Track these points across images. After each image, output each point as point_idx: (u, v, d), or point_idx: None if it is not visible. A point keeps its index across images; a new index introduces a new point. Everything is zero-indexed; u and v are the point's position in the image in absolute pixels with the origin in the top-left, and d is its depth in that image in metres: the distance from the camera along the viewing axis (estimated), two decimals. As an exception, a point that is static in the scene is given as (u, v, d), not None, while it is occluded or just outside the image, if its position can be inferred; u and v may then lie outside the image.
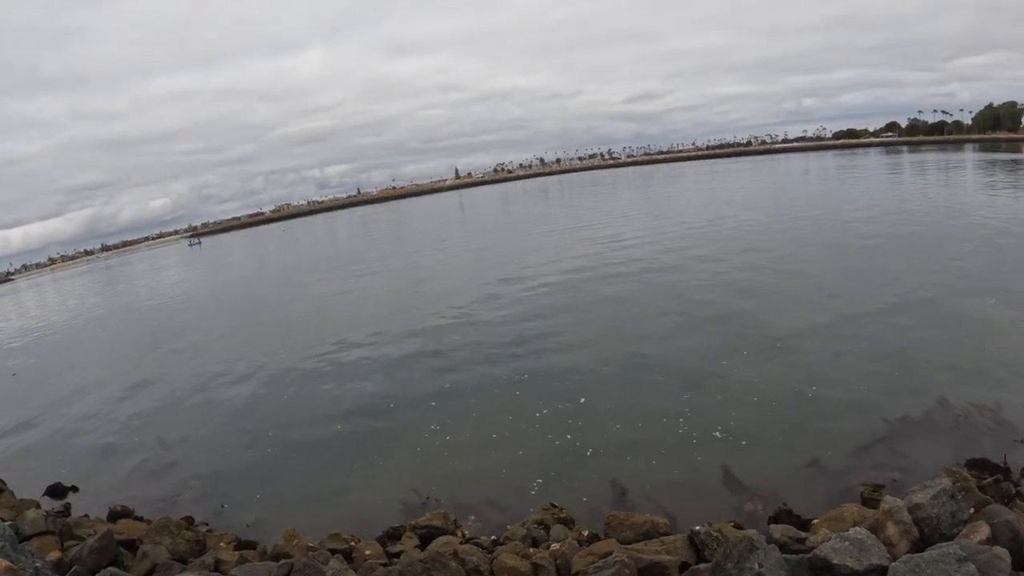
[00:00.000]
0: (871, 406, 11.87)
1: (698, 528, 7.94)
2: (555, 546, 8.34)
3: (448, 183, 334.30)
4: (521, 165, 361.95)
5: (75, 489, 14.04)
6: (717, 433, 11.46)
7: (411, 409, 15.10)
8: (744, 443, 11.03)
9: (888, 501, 7.21)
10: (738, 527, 8.22)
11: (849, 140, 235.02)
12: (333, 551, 9.06)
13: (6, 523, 9.14)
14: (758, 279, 22.69)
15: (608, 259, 29.77)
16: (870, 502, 8.42)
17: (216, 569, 8.83)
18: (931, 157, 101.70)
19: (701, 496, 9.68)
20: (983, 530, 6.79)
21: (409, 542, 9.26)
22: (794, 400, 12.53)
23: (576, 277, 26.45)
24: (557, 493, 10.27)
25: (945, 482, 7.36)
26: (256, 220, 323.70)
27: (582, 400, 13.84)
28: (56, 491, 13.97)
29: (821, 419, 11.61)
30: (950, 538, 6.82)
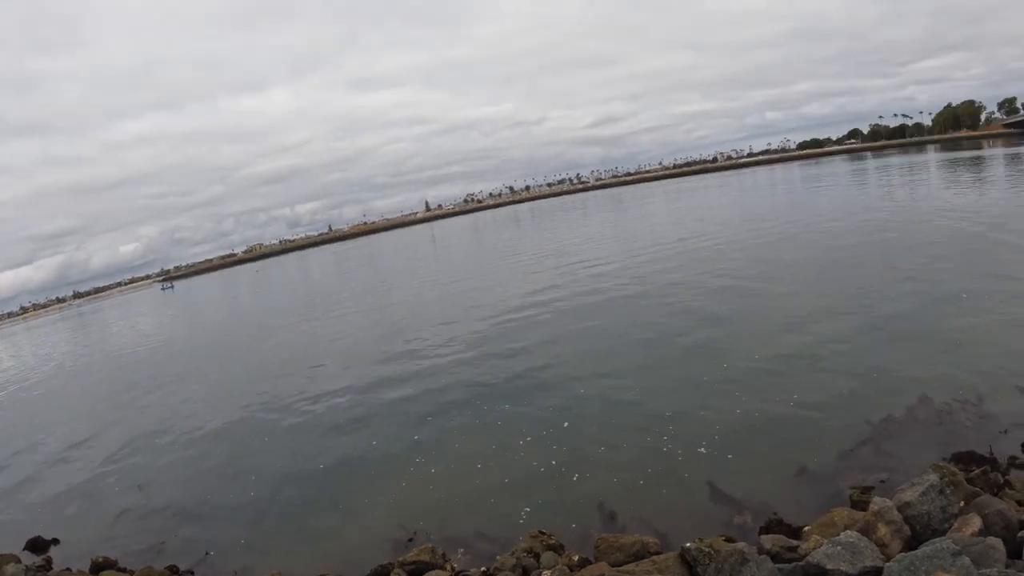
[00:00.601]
0: (853, 409, 11.88)
1: (689, 545, 7.82)
2: (546, 573, 8.20)
3: (419, 216, 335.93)
4: (491, 194, 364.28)
5: (56, 541, 13.73)
6: (702, 449, 11.36)
7: (393, 444, 14.91)
8: (730, 456, 10.95)
9: (877, 502, 7.20)
10: (729, 540, 8.09)
11: (813, 150, 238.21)
12: (320, 593, 8.91)
13: None
14: (731, 295, 22.73)
15: (581, 285, 29.71)
16: (859, 504, 8.36)
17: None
18: (895, 160, 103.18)
19: (690, 512, 9.58)
20: (975, 522, 6.78)
21: (398, 578, 8.95)
22: (776, 410, 12.48)
23: (550, 305, 26.38)
24: (545, 520, 10.10)
25: (932, 478, 7.35)
26: (229, 262, 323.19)
27: (565, 425, 13.71)
28: (36, 544, 13.65)
29: (805, 426, 11.58)
30: (942, 533, 6.82)
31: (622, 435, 12.71)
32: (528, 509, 10.59)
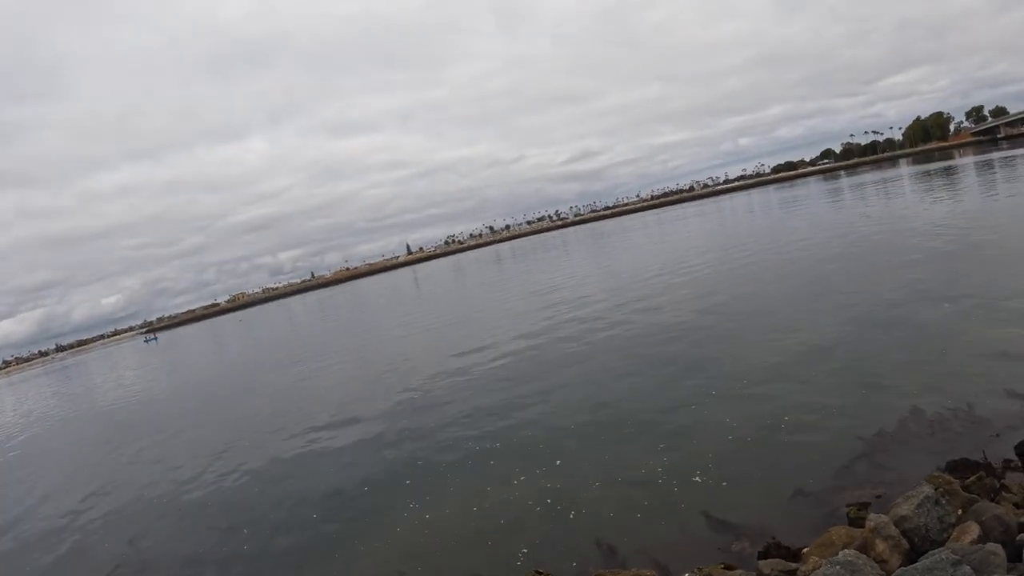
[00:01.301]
0: (845, 427, 11.88)
1: (687, 575, 7.79)
2: (545, 612, 8.16)
3: (401, 259, 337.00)
4: (472, 235, 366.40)
5: None
6: (697, 478, 11.30)
7: (386, 491, 14.77)
8: (725, 484, 10.89)
9: (873, 518, 7.20)
10: (728, 568, 8.06)
11: (788, 173, 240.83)
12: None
13: None
14: (716, 322, 22.80)
15: (565, 322, 29.69)
16: (857, 521, 8.32)
17: None
18: (868, 177, 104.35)
19: (688, 542, 9.49)
20: (973, 529, 6.77)
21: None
22: (768, 434, 12.47)
23: (535, 343, 26.34)
24: (543, 558, 10.02)
25: (927, 489, 7.33)
26: (211, 311, 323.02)
27: (558, 462, 13.61)
28: None
29: (798, 448, 11.56)
30: (941, 543, 6.82)
31: (616, 470, 12.63)
32: (526, 550, 10.46)
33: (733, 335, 20.47)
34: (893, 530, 6.95)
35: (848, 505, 9.04)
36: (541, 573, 9.28)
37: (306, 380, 32.97)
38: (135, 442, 28.13)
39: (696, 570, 8.03)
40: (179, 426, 29.35)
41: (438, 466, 15.39)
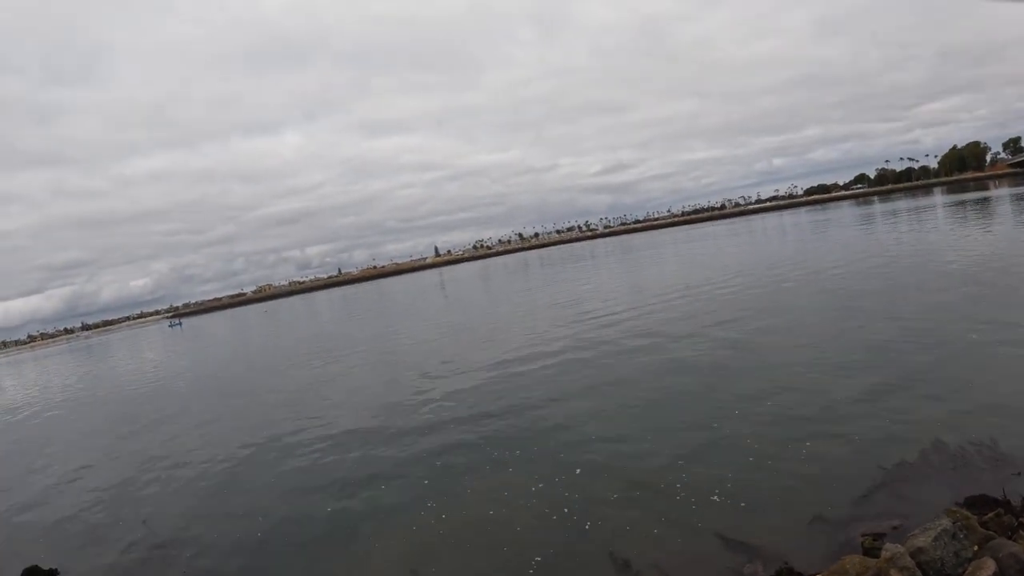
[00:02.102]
0: (866, 455, 11.81)
1: None
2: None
3: (428, 261, 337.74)
4: (500, 241, 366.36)
5: (53, 572, 13.72)
6: (715, 497, 11.29)
7: (403, 489, 14.87)
8: (743, 504, 10.88)
9: (889, 548, 7.22)
10: None
11: (821, 195, 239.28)
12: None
13: None
14: (741, 342, 22.73)
15: (589, 334, 29.65)
16: (871, 551, 8.30)
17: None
18: (902, 204, 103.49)
19: (702, 562, 9.51)
20: (989, 566, 6.77)
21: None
22: (790, 457, 12.42)
23: (559, 354, 26.32)
24: (557, 569, 10.09)
25: (945, 522, 7.34)
26: (237, 301, 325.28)
27: (577, 472, 13.63)
28: (34, 574, 13.60)
29: (817, 473, 11.51)
30: (956, 579, 6.78)
31: (634, 483, 12.63)
32: (539, 558, 10.50)
33: (758, 356, 20.43)
34: (908, 561, 6.96)
35: (863, 535, 9.02)
36: None
37: (327, 374, 33.19)
38: (153, 424, 28.46)
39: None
40: (198, 411, 29.65)
41: (456, 468, 15.43)
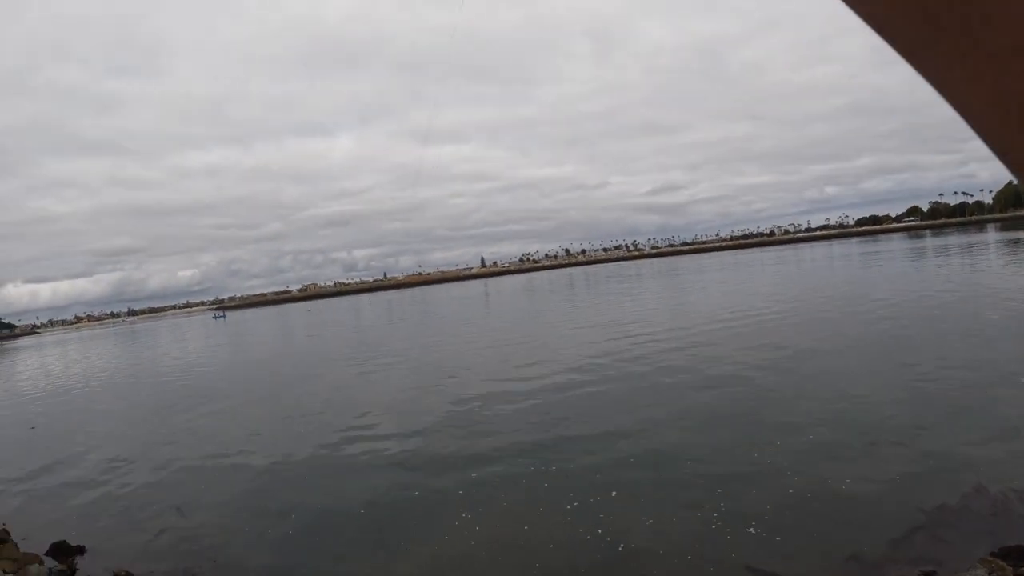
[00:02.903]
0: (907, 495, 11.68)
1: None
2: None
3: (474, 271, 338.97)
4: (547, 255, 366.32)
5: (81, 548, 14.05)
6: (751, 529, 11.23)
7: (437, 497, 14.99)
8: (778, 539, 10.81)
9: (924, 594, 7.12)
10: None
11: (872, 227, 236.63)
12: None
13: (7, 575, 9.21)
14: (784, 373, 22.61)
15: (631, 353, 29.72)
16: None
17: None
18: (954, 240, 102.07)
19: None
20: (1022, 620, 6.69)
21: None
22: (829, 493, 12.30)
23: (600, 372, 26.37)
24: None
25: (980, 572, 7.29)
26: (283, 298, 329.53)
27: (613, 494, 13.61)
28: (61, 549, 13.95)
29: (856, 511, 11.40)
30: (989, 629, 6.72)
31: (671, 509, 12.61)
32: None
33: (800, 388, 20.26)
34: None
35: None
36: None
37: (366, 377, 33.59)
38: (191, 412, 29.06)
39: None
40: (235, 404, 30.20)
41: (491, 482, 15.49)
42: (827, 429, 15.95)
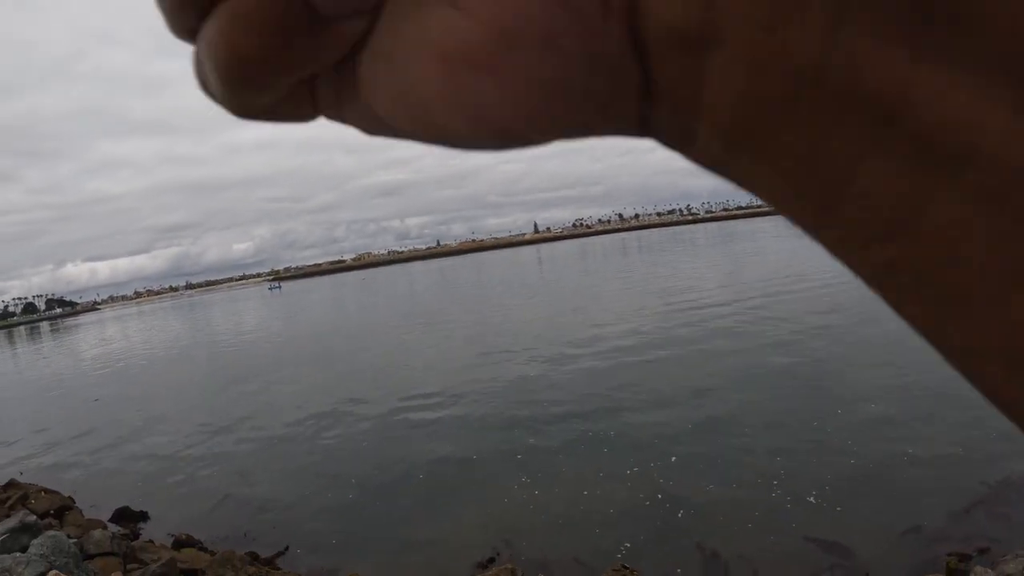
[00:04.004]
0: (971, 468, 11.54)
1: None
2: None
3: (527, 237, 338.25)
4: (600, 220, 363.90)
5: (144, 514, 14.64)
6: (811, 498, 11.24)
7: (496, 463, 15.21)
8: (838, 509, 10.82)
9: (978, 572, 7.23)
10: None
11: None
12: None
13: (72, 540, 9.62)
14: (843, 341, 22.33)
15: (689, 321, 29.74)
16: (956, 573, 8.29)
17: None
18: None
19: (788, 562, 9.60)
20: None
21: (474, 595, 8.94)
22: (890, 463, 12.21)
23: (656, 338, 26.46)
24: (646, 555, 10.27)
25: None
26: (337, 267, 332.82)
27: (673, 459, 13.74)
28: (124, 514, 14.54)
29: (917, 482, 11.32)
30: (1046, 609, 6.69)
31: (731, 476, 12.67)
32: (628, 544, 10.70)
33: (861, 356, 20.00)
34: None
35: (949, 554, 8.93)
36: (626, 568, 9.57)
37: (422, 345, 34.07)
38: (249, 381, 29.86)
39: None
40: (292, 373, 30.90)
41: (550, 447, 15.64)
42: (891, 398, 15.76)
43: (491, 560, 10.78)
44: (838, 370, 18.90)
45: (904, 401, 15.56)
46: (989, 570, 7.09)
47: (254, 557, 11.58)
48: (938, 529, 9.87)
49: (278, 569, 11.37)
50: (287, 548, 12.35)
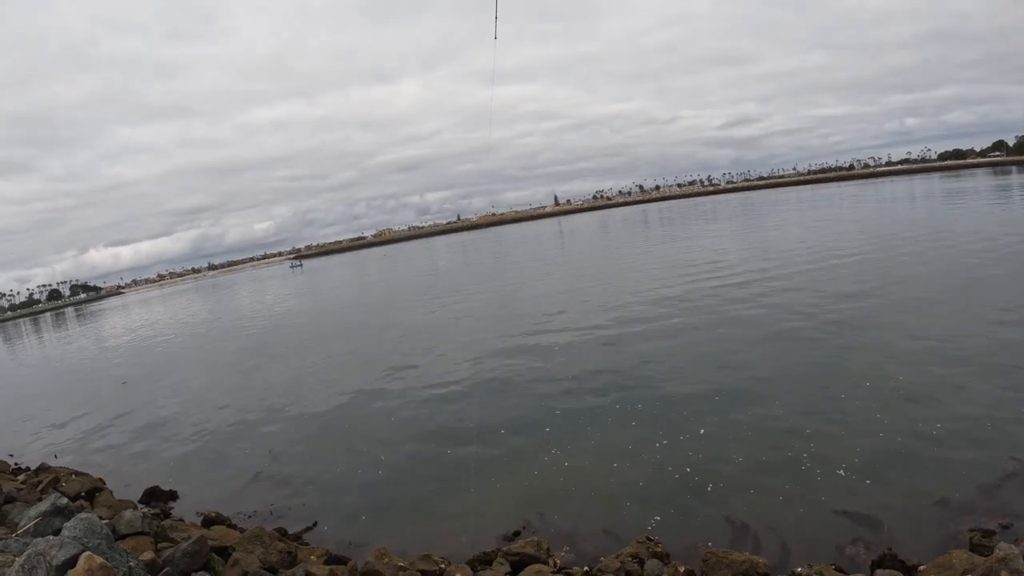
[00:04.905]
0: (1000, 442, 11.57)
1: (799, 570, 8.12)
2: (647, 580, 8.50)
3: (548, 210, 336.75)
4: (620, 192, 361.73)
5: (173, 493, 15.03)
6: (841, 472, 11.33)
7: (525, 434, 15.44)
8: (868, 482, 10.90)
9: (1003, 548, 7.11)
10: (840, 571, 8.30)
11: (955, 161, 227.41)
12: (423, 572, 9.45)
13: (104, 521, 9.89)
14: (872, 311, 22.23)
15: (714, 294, 29.70)
16: (980, 548, 8.26)
17: (305, 582, 9.33)
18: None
19: (816, 534, 9.71)
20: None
21: (500, 568, 9.47)
22: (920, 437, 12.26)
23: (682, 313, 26.50)
24: (675, 527, 10.44)
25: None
26: (358, 244, 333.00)
27: (701, 432, 13.89)
28: (154, 494, 14.94)
29: (946, 458, 11.36)
30: (1072, 588, 6.57)
31: (760, 448, 12.78)
32: (658, 517, 10.91)
33: (889, 330, 19.84)
34: (1022, 564, 6.83)
35: (972, 530, 8.97)
36: (651, 539, 9.76)
37: (447, 320, 34.26)
38: (276, 359, 30.34)
39: (808, 565, 8.30)
40: (317, 350, 31.19)
41: (578, 419, 15.83)
42: (916, 372, 15.71)
43: (517, 533, 11.04)
44: (864, 344, 18.73)
45: (929, 374, 15.50)
46: (1015, 547, 7.05)
47: (283, 533, 11.86)
48: (966, 503, 9.92)
49: (306, 544, 11.64)
50: (315, 523, 12.67)
